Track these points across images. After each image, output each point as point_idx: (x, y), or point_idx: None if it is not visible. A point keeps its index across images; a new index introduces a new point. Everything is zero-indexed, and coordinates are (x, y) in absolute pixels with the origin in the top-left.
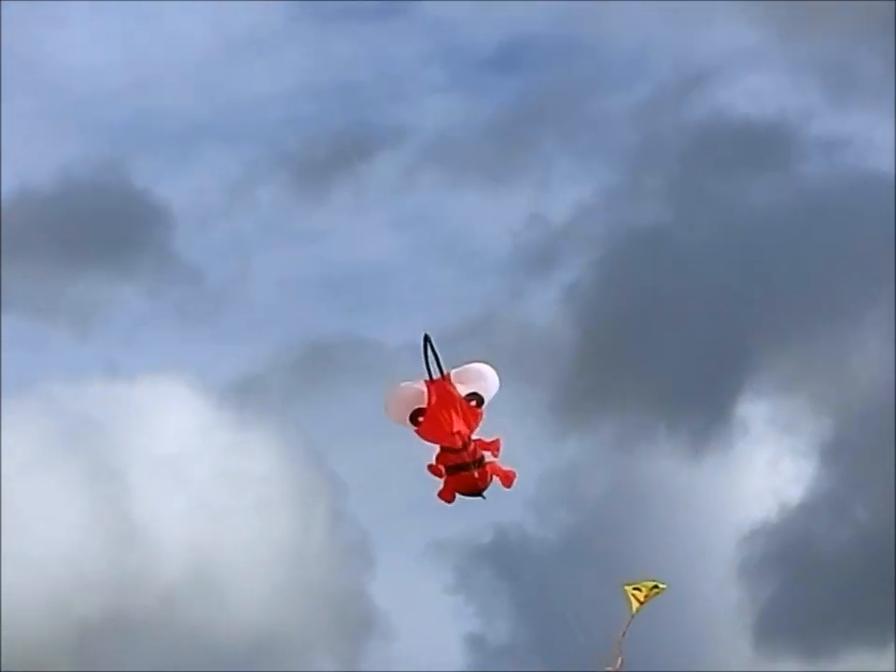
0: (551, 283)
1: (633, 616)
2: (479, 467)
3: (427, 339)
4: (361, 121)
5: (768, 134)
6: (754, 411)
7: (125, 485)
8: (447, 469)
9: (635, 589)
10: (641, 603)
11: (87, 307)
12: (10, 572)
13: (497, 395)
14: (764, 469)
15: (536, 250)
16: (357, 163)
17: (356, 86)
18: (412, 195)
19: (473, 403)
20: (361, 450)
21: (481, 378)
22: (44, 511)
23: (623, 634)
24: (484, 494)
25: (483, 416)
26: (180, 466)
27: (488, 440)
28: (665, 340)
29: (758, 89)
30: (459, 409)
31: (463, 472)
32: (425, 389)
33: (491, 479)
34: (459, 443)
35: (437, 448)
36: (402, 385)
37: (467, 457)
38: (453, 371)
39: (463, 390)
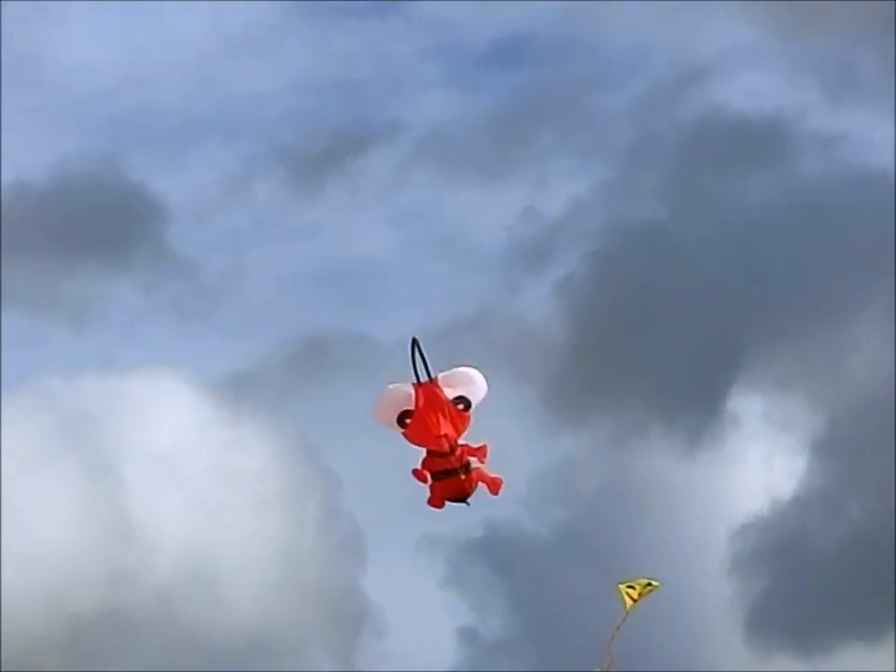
0: (545, 278)
1: (626, 614)
2: (465, 472)
3: (414, 342)
4: (358, 118)
5: (765, 131)
6: (748, 407)
7: (120, 481)
8: (434, 474)
9: (628, 587)
10: (635, 601)
11: (83, 302)
12: (5, 568)
13: (490, 391)
14: (758, 465)
15: (531, 246)
16: (354, 159)
17: (352, 82)
18: (407, 191)
19: (461, 407)
20: (356, 446)
21: (469, 382)
22: (39, 507)
23: (616, 631)
24: (469, 500)
25: (471, 420)
26: (176, 462)
27: (475, 445)
28: (660, 336)
29: (755, 86)
30: (447, 412)
31: (450, 478)
32: (412, 392)
33: (476, 485)
34: (446, 447)
35: (423, 451)
36: (390, 386)
37: (454, 462)
38: (440, 375)
39: (450, 393)
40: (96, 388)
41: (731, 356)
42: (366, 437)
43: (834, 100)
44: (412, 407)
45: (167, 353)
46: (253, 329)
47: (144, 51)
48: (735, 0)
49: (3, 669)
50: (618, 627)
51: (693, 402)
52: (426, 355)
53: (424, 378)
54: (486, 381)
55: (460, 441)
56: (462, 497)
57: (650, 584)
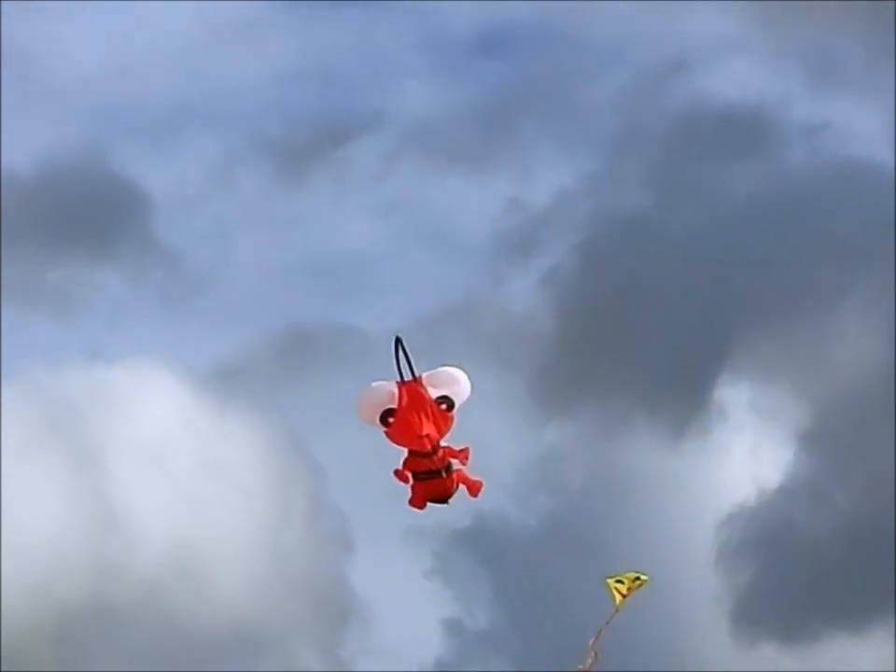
0: (531, 269)
1: (616, 610)
2: (447, 474)
3: (398, 340)
4: (342, 108)
5: (749, 121)
6: (735, 397)
7: (106, 472)
8: (415, 475)
9: (616, 581)
10: (624, 596)
11: (68, 293)
12: None
13: (475, 382)
14: (745, 456)
15: (516, 237)
16: (338, 149)
17: (337, 73)
18: (392, 181)
19: (444, 407)
20: (342, 437)
21: (453, 382)
22: (24, 498)
23: (604, 627)
24: (449, 501)
25: (454, 421)
26: (161, 452)
27: (457, 447)
28: (645, 326)
29: (739, 76)
30: (430, 412)
31: (433, 479)
32: (396, 390)
33: (458, 487)
34: (428, 446)
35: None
36: (373, 384)
37: (436, 462)
38: (425, 374)
39: (434, 393)
40: (81, 379)
41: (717, 346)
42: (352, 428)
43: (819, 89)
44: (395, 406)
45: (153, 343)
46: (238, 319)
47: (128, 42)
48: None
49: None
50: (606, 623)
51: (679, 393)
52: (409, 353)
53: (408, 377)
54: (471, 381)
55: (443, 443)
56: (444, 499)
57: (638, 579)
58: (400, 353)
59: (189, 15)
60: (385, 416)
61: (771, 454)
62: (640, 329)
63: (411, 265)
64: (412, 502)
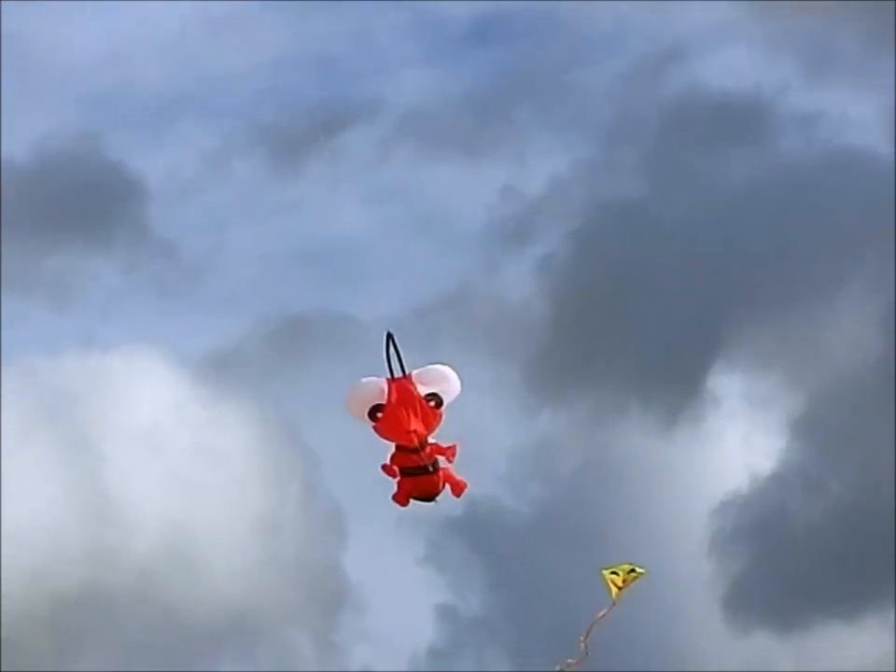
0: (526, 257)
1: (614, 603)
2: (433, 472)
3: (389, 336)
4: (337, 95)
5: (744, 109)
6: (728, 385)
7: (101, 458)
8: (403, 471)
9: (612, 573)
10: (620, 588)
11: (63, 281)
12: None
13: (469, 369)
14: (737, 444)
15: (511, 224)
16: (333, 137)
17: (332, 60)
18: (387, 169)
19: (432, 404)
20: (335, 424)
21: (443, 380)
22: (20, 485)
23: (600, 620)
24: (437, 499)
25: (442, 418)
26: (156, 439)
27: (445, 444)
28: (639, 314)
29: (735, 63)
30: (418, 408)
31: (420, 476)
32: (385, 386)
33: (444, 486)
34: (415, 442)
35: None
36: (363, 380)
37: (423, 459)
38: (415, 371)
39: (423, 390)
40: (77, 366)
41: (710, 334)
42: (346, 416)
43: (814, 78)
44: (383, 401)
45: (147, 331)
46: (233, 307)
47: (125, 31)
48: None
49: None
50: (601, 618)
51: (673, 381)
52: (402, 345)
53: (398, 373)
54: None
55: (430, 440)
56: (429, 497)
57: (633, 571)
58: (391, 349)
59: (185, 4)
60: (374, 411)
61: (764, 442)
62: (634, 316)
63: (405, 253)
64: (395, 497)
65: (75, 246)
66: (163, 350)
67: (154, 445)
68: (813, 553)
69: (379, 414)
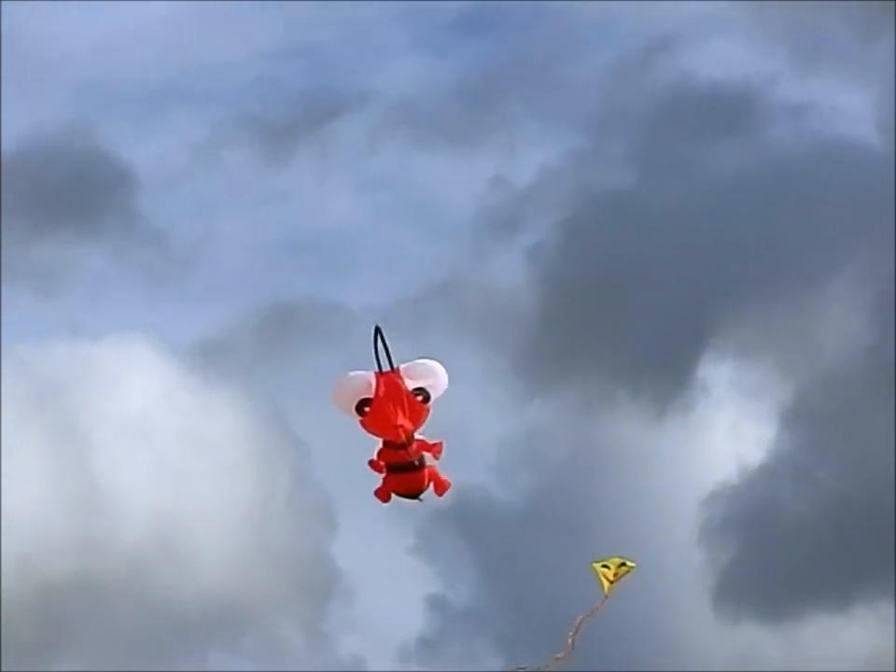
0: (515, 247)
1: (606, 597)
2: (419, 468)
3: (377, 330)
4: (327, 85)
5: (734, 100)
6: (717, 375)
7: (90, 447)
8: (389, 467)
9: (603, 566)
10: (612, 582)
11: (52, 269)
12: None
13: (459, 358)
14: (727, 433)
15: (500, 213)
16: (323, 127)
17: (322, 49)
18: (376, 158)
19: (420, 398)
20: (325, 413)
21: (430, 374)
22: (9, 473)
23: (591, 615)
24: (421, 497)
25: (429, 413)
26: (145, 428)
27: (432, 441)
28: (629, 304)
29: (724, 54)
30: (406, 403)
31: (407, 473)
32: (373, 380)
33: (429, 484)
34: (402, 437)
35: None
36: (350, 373)
37: (410, 454)
38: (403, 366)
39: (411, 385)
40: (66, 355)
41: (700, 324)
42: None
43: (804, 68)
44: (371, 395)
45: (137, 320)
46: (222, 295)
47: (114, 19)
48: None
49: None
50: (591, 613)
51: (663, 370)
52: (390, 336)
53: (386, 367)
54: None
55: (417, 436)
56: (414, 495)
57: (624, 564)
58: (379, 343)
59: None
60: (362, 406)
61: (754, 431)
62: (624, 306)
63: (395, 242)
64: (377, 493)
65: (64, 235)
66: (152, 339)
67: (143, 434)
68: (803, 544)
69: (366, 408)
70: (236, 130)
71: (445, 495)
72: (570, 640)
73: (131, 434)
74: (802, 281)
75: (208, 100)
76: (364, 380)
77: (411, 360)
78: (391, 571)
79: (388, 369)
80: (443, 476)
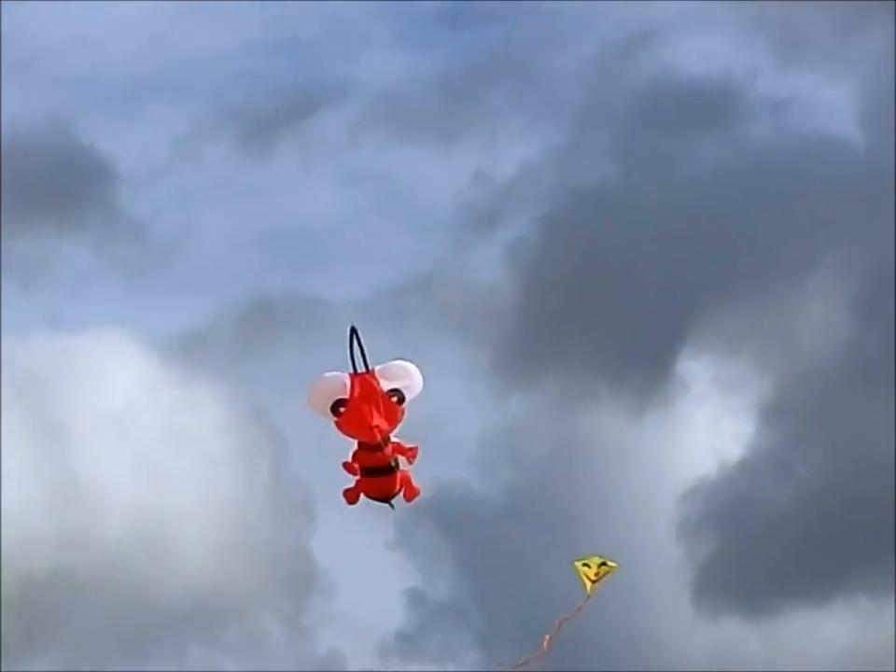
0: (495, 241)
1: (588, 597)
2: (394, 470)
3: (353, 331)
4: (308, 78)
5: (715, 94)
6: (697, 370)
7: (69, 441)
8: (363, 470)
9: (584, 565)
10: (594, 582)
11: (32, 262)
12: None
13: (439, 353)
14: (706, 428)
15: (481, 208)
16: (304, 120)
17: (302, 41)
18: (357, 152)
19: (395, 400)
20: (304, 407)
21: (406, 376)
22: None
23: (574, 615)
24: (392, 503)
25: (404, 415)
26: (125, 421)
27: (407, 445)
28: (609, 299)
29: (705, 48)
30: (381, 404)
31: (380, 477)
32: (348, 381)
33: (400, 489)
34: (378, 438)
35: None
36: (326, 375)
37: (385, 458)
38: (378, 367)
39: (386, 386)
40: (45, 348)
41: (680, 319)
42: None
43: (785, 63)
44: (346, 396)
45: (117, 313)
46: (203, 289)
47: (94, 12)
48: None
49: None
50: (573, 614)
51: (642, 365)
52: (370, 333)
53: (361, 368)
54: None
55: (393, 438)
56: (386, 499)
57: (605, 564)
58: (355, 344)
59: None
60: (337, 407)
61: (733, 427)
62: (604, 301)
63: (376, 236)
64: (346, 493)
65: (44, 228)
66: (132, 332)
67: (123, 427)
68: (782, 539)
69: (341, 409)
70: (217, 123)
71: (414, 501)
72: (547, 641)
73: (110, 427)
74: (782, 276)
75: (189, 93)
76: (339, 381)
77: (391, 354)
78: (370, 565)
79: (363, 370)
80: (415, 483)
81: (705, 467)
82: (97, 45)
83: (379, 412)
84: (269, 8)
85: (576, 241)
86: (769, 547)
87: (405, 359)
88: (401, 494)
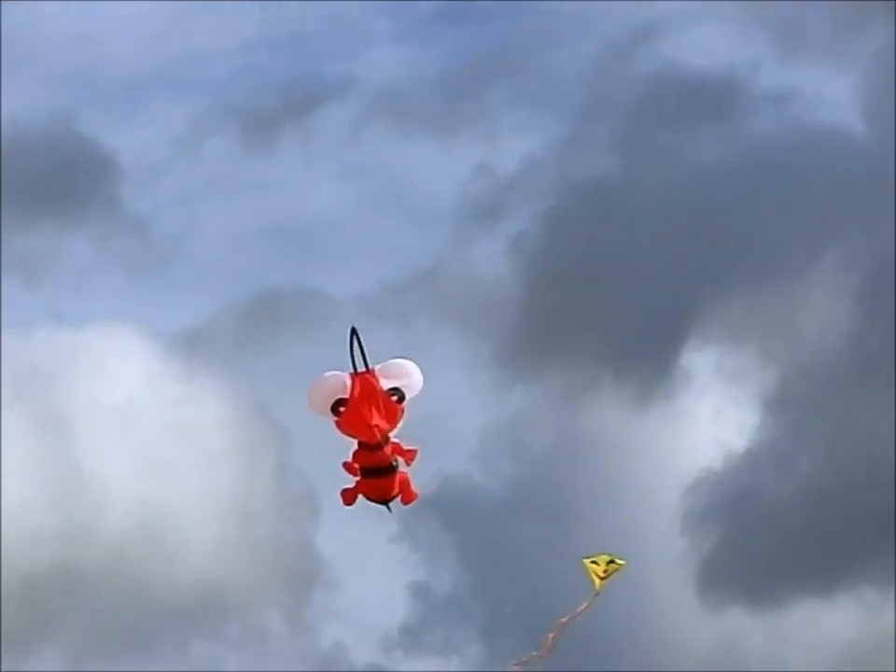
0: (498, 234)
1: (596, 594)
2: (392, 472)
3: (353, 331)
4: (309, 74)
5: (717, 87)
6: (700, 362)
7: (73, 436)
8: (363, 470)
9: (592, 562)
10: (602, 579)
11: (36, 257)
12: None
13: (442, 347)
14: (710, 420)
15: (483, 202)
16: (305, 115)
17: (303, 38)
18: (359, 147)
19: (395, 399)
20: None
21: (405, 375)
22: None
23: (579, 614)
24: (390, 506)
25: (404, 414)
26: (128, 417)
27: (407, 447)
28: (612, 291)
29: (707, 42)
30: (381, 403)
31: (380, 478)
32: (348, 380)
33: (399, 492)
34: (377, 437)
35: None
36: (326, 374)
37: (385, 457)
38: (378, 366)
39: (386, 385)
40: (48, 343)
41: (683, 311)
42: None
43: (787, 57)
44: (346, 396)
45: (120, 308)
46: (205, 284)
47: (96, 8)
48: None
49: None
50: (579, 613)
51: (645, 357)
52: (372, 327)
53: (361, 368)
54: (430, 363)
55: (392, 439)
56: (384, 501)
57: (613, 562)
58: (355, 344)
59: None
60: (337, 406)
61: (737, 419)
62: (607, 294)
63: (378, 230)
64: (343, 494)
65: (47, 223)
66: (135, 327)
67: (126, 422)
68: (786, 531)
69: (341, 409)
70: (219, 119)
71: (411, 504)
72: (551, 640)
73: (113, 422)
74: (785, 268)
75: (192, 89)
76: (339, 380)
77: (394, 348)
78: (374, 559)
79: (363, 369)
80: (413, 486)
81: (708, 459)
82: (100, 41)
83: (379, 411)
84: (270, 7)
85: (578, 234)
86: (773, 539)
87: (406, 356)
88: (399, 497)
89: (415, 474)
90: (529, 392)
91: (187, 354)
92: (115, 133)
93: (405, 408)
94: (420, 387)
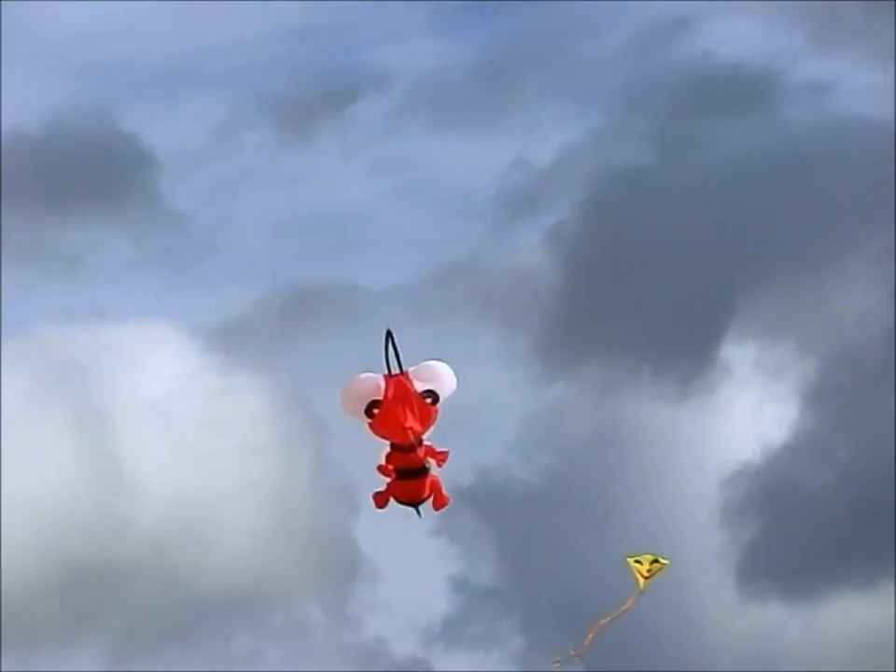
0: (535, 226)
1: (640, 593)
2: (424, 474)
3: (388, 334)
4: (346, 66)
5: (754, 78)
6: (740, 354)
7: (113, 430)
8: (397, 472)
9: (636, 562)
10: (646, 578)
11: (76, 252)
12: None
13: (480, 339)
14: (749, 413)
15: (520, 193)
16: (342, 108)
17: (341, 29)
18: (396, 139)
19: (429, 401)
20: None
21: (438, 377)
22: (32, 455)
23: (622, 613)
24: (420, 510)
25: (438, 416)
26: (167, 410)
27: (439, 449)
28: (650, 283)
29: (744, 32)
30: (414, 405)
31: (412, 480)
32: (382, 382)
33: (430, 495)
34: (411, 439)
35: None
36: (360, 376)
37: (418, 459)
38: (411, 368)
39: (419, 387)
40: (88, 337)
41: (722, 303)
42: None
43: (824, 47)
44: (380, 397)
45: (158, 302)
46: (243, 277)
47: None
48: None
49: None
50: (620, 613)
51: (684, 349)
52: (408, 325)
53: (395, 370)
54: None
55: (425, 441)
56: (415, 504)
57: (657, 561)
58: (389, 347)
59: None
60: (371, 408)
61: (776, 411)
62: (646, 285)
63: (415, 223)
64: (375, 497)
65: (85, 217)
66: (174, 321)
67: (165, 416)
68: (825, 523)
69: (375, 411)
70: (255, 111)
71: (442, 510)
72: (590, 639)
73: (153, 416)
74: (823, 259)
75: (227, 81)
76: (373, 382)
77: (431, 340)
78: (414, 553)
79: (397, 371)
80: (445, 491)
81: (748, 451)
82: (136, 33)
83: (413, 413)
84: None
85: (616, 225)
86: (813, 531)
87: (443, 349)
88: (430, 501)
89: (453, 466)
90: (567, 384)
91: (226, 347)
92: (152, 126)
93: (439, 410)
94: (453, 389)
